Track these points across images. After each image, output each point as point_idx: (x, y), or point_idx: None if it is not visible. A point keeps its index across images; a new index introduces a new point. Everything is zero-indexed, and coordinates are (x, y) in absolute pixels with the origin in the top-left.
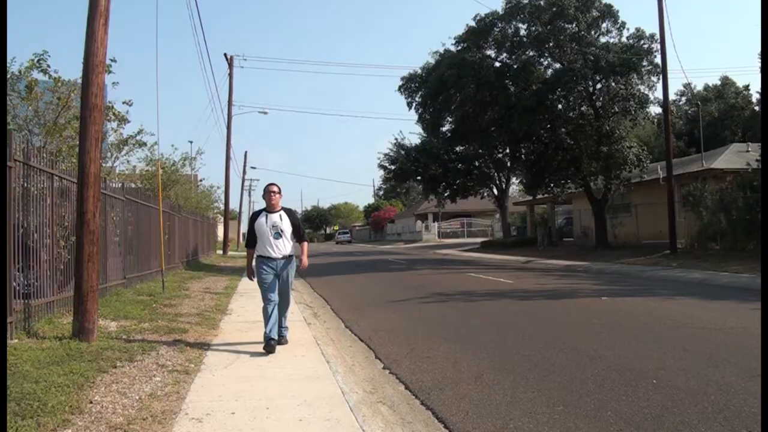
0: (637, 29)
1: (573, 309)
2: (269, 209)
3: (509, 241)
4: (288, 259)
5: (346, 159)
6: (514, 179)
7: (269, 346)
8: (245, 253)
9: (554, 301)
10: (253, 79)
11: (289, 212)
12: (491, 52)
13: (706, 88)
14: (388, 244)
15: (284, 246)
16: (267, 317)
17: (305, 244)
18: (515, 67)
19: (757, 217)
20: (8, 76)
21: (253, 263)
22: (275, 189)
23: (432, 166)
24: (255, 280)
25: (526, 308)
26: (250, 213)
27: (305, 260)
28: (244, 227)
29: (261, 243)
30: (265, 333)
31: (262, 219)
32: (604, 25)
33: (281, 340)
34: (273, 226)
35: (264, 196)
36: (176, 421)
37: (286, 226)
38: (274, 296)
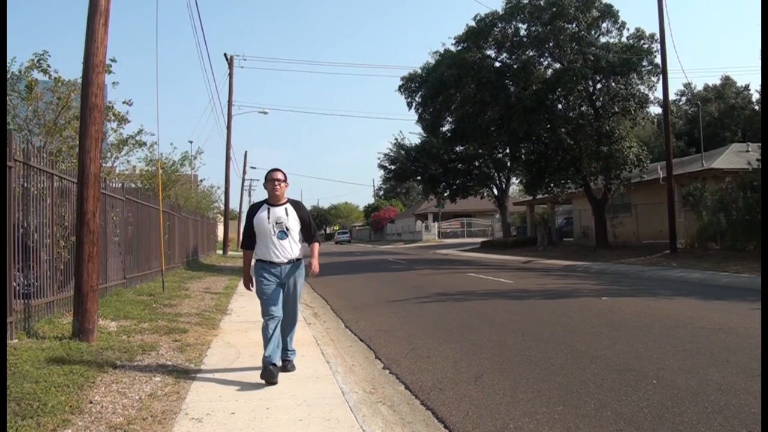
0: (637, 29)
1: (573, 309)
2: (272, 201)
3: (509, 241)
4: (295, 263)
5: (346, 159)
6: (514, 179)
7: (268, 373)
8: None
9: (554, 301)
10: (253, 79)
11: (297, 205)
12: (491, 52)
13: (706, 88)
14: (387, 244)
15: (290, 248)
16: (267, 337)
17: (316, 245)
18: (515, 67)
19: (757, 217)
20: (8, 76)
21: (252, 268)
22: (280, 176)
23: (432, 166)
24: (254, 290)
25: (526, 308)
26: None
27: (315, 264)
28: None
29: (261, 244)
30: (265, 357)
31: (262, 213)
32: (604, 25)
33: (286, 365)
34: (277, 223)
35: (266, 185)
36: (176, 421)
37: (293, 222)
38: (277, 310)
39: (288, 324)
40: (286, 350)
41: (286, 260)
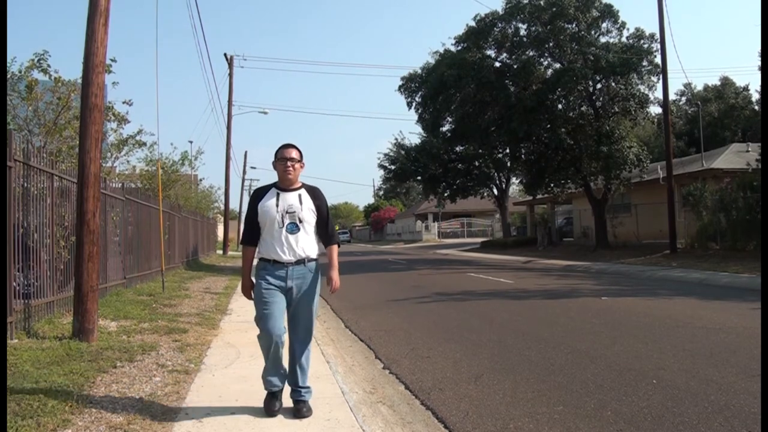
0: (637, 29)
1: (573, 309)
2: (283, 185)
3: (509, 241)
4: (307, 265)
5: (346, 159)
6: (514, 179)
7: (266, 401)
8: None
9: (554, 301)
10: (253, 79)
11: (313, 192)
12: (491, 52)
13: (706, 88)
14: (387, 244)
15: (304, 244)
16: (265, 357)
17: (335, 249)
18: (515, 67)
19: (757, 217)
20: (8, 76)
21: (253, 269)
22: (294, 154)
23: (432, 166)
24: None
25: (526, 308)
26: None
27: (336, 277)
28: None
29: (266, 238)
30: (264, 380)
31: (270, 201)
32: (604, 25)
33: (300, 407)
34: (288, 212)
35: (276, 165)
36: (176, 421)
37: (308, 213)
38: (276, 327)
39: (297, 345)
40: (297, 387)
41: (294, 260)
